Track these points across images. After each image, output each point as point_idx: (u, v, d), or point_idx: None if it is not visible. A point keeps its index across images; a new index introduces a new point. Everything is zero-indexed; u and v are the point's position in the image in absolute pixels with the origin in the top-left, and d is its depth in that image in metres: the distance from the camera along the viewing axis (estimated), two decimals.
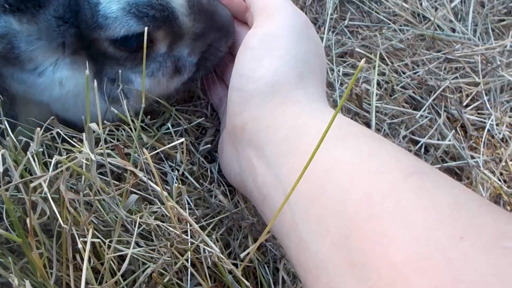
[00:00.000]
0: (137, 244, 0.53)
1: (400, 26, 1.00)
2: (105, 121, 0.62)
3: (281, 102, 0.55)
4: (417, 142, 0.82)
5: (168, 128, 0.68)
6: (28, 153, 0.48)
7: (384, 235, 0.39)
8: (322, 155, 0.43)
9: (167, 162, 0.64)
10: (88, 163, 0.47)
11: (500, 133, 0.84)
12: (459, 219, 0.38)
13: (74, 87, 0.61)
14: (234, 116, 0.58)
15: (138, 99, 0.63)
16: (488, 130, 0.85)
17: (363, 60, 0.34)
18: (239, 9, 0.69)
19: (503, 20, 1.06)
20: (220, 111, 0.72)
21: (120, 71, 0.61)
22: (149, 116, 0.68)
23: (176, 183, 0.61)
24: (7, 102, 0.57)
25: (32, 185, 0.42)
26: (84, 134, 0.47)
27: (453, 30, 1.01)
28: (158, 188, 0.48)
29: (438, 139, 0.82)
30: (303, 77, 0.57)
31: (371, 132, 0.53)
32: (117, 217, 0.52)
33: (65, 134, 0.55)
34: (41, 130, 0.48)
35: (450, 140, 0.80)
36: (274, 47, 0.58)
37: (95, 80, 0.58)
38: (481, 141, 0.83)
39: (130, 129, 0.60)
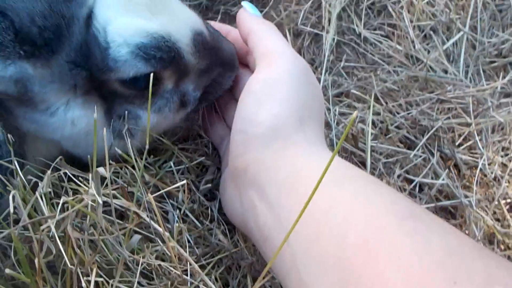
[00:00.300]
0: (138, 283, 0.54)
1: (394, 67, 1.03)
2: (110, 161, 0.63)
3: (282, 145, 0.57)
4: (411, 181, 0.84)
5: (171, 167, 0.70)
6: (36, 193, 0.49)
7: (380, 279, 0.40)
8: (320, 197, 0.45)
9: (169, 201, 0.66)
10: (94, 204, 0.48)
11: (492, 173, 0.86)
12: (452, 264, 0.40)
13: (86, 125, 0.63)
14: (237, 157, 0.60)
15: (143, 137, 0.64)
16: (481, 169, 0.87)
17: (355, 112, 0.37)
18: (241, 52, 0.72)
19: (494, 61, 1.10)
20: (221, 150, 0.74)
21: (126, 111, 0.63)
22: (152, 155, 0.69)
23: (177, 222, 0.63)
24: (16, 141, 0.59)
25: (42, 227, 0.44)
26: (90, 175, 0.49)
27: (445, 72, 1.04)
28: (160, 229, 0.50)
29: (432, 178, 0.84)
30: (303, 121, 0.59)
31: (367, 175, 0.55)
32: (120, 256, 0.53)
33: (72, 174, 0.57)
34: (50, 171, 0.50)
35: (443, 179, 0.82)
36: (275, 92, 0.60)
37: (105, 127, 0.60)
38: (474, 180, 0.85)
39: (133, 167, 0.62)
